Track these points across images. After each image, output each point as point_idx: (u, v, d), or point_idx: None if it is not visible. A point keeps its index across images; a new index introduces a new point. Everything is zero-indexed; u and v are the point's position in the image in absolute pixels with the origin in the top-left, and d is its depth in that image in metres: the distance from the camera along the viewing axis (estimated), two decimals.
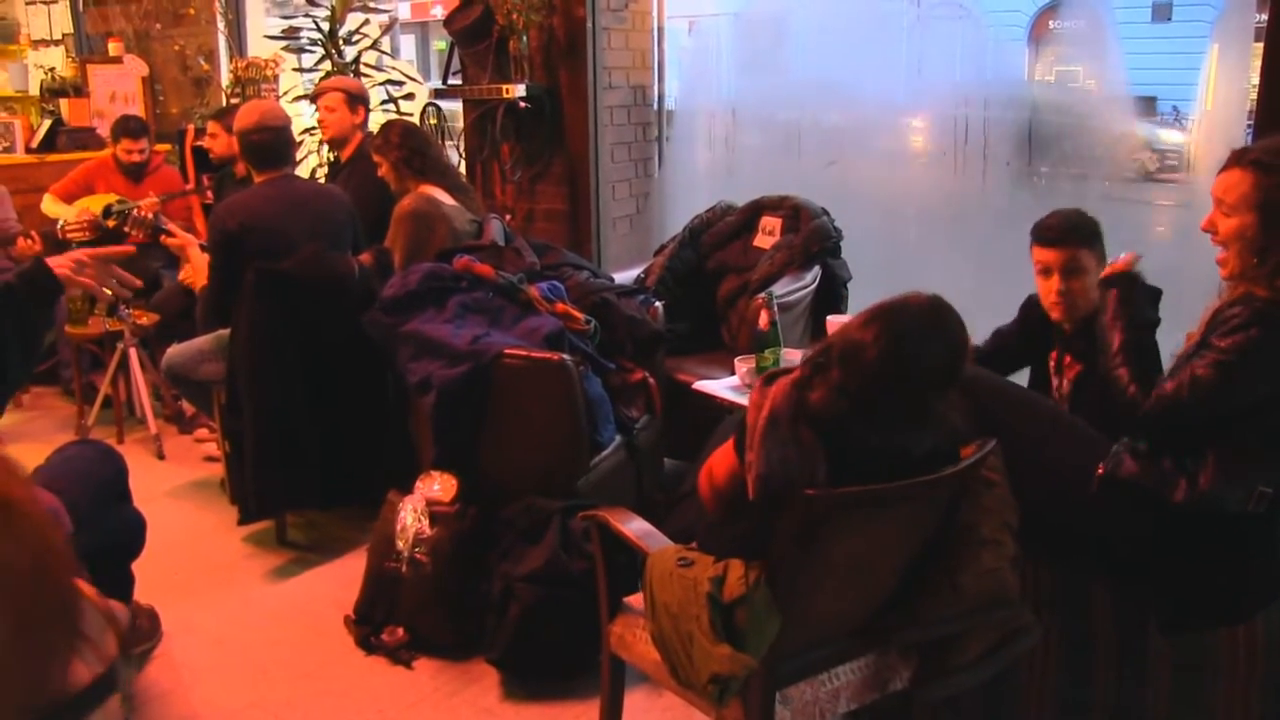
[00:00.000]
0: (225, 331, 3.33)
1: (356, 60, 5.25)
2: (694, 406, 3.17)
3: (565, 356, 2.82)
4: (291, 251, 3.25)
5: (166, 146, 5.65)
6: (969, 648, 1.92)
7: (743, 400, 2.85)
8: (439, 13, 12.95)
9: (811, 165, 4.46)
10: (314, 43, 5.30)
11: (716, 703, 1.78)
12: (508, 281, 3.13)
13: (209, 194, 4.86)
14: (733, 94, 4.91)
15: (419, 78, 5.85)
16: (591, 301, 3.27)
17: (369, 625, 2.78)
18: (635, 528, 2.07)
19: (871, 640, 1.95)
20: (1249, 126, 3.36)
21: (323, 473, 3.26)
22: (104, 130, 5.55)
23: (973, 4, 4.70)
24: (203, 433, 4.27)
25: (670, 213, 4.80)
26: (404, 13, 14.14)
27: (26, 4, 6.86)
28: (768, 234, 3.93)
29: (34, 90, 6.67)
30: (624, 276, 3.88)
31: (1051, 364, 2.47)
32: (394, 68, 5.44)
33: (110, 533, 2.33)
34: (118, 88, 6.18)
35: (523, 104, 4.46)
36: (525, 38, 4.40)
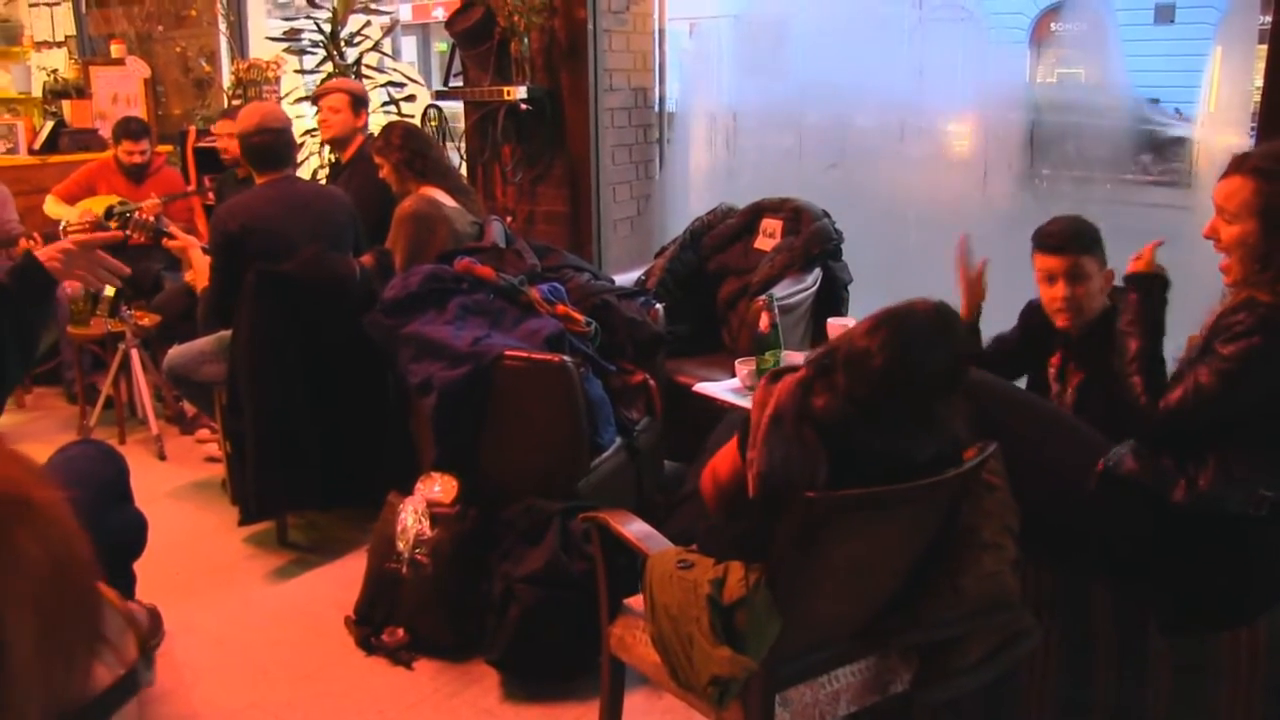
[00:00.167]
0: (226, 333, 3.34)
1: (358, 62, 5.26)
2: (694, 409, 3.17)
3: (566, 358, 2.82)
4: (293, 253, 3.25)
5: (168, 148, 5.66)
6: (970, 650, 1.92)
7: (743, 402, 2.85)
8: (440, 15, 12.96)
9: (813, 167, 4.46)
10: (315, 44, 5.30)
11: (716, 705, 1.78)
12: (509, 283, 3.14)
13: (210, 195, 4.87)
14: (734, 96, 4.92)
15: (420, 79, 5.85)
16: (592, 303, 3.27)
17: (369, 626, 2.78)
18: (635, 529, 2.07)
19: (872, 643, 1.95)
20: (1252, 129, 3.35)
21: (323, 474, 3.26)
22: (106, 132, 5.55)
23: (974, 6, 4.70)
24: (204, 433, 4.27)
25: (671, 215, 4.80)
26: (405, 15, 14.15)
27: (30, 6, 6.87)
28: (768, 236, 3.93)
29: (37, 92, 6.68)
30: (625, 278, 3.88)
31: (1052, 370, 2.46)
32: (395, 69, 5.44)
33: (112, 533, 2.33)
34: (120, 89, 6.19)
35: (524, 106, 4.47)
36: (526, 40, 4.40)
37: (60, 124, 6.10)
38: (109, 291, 4.32)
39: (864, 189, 4.26)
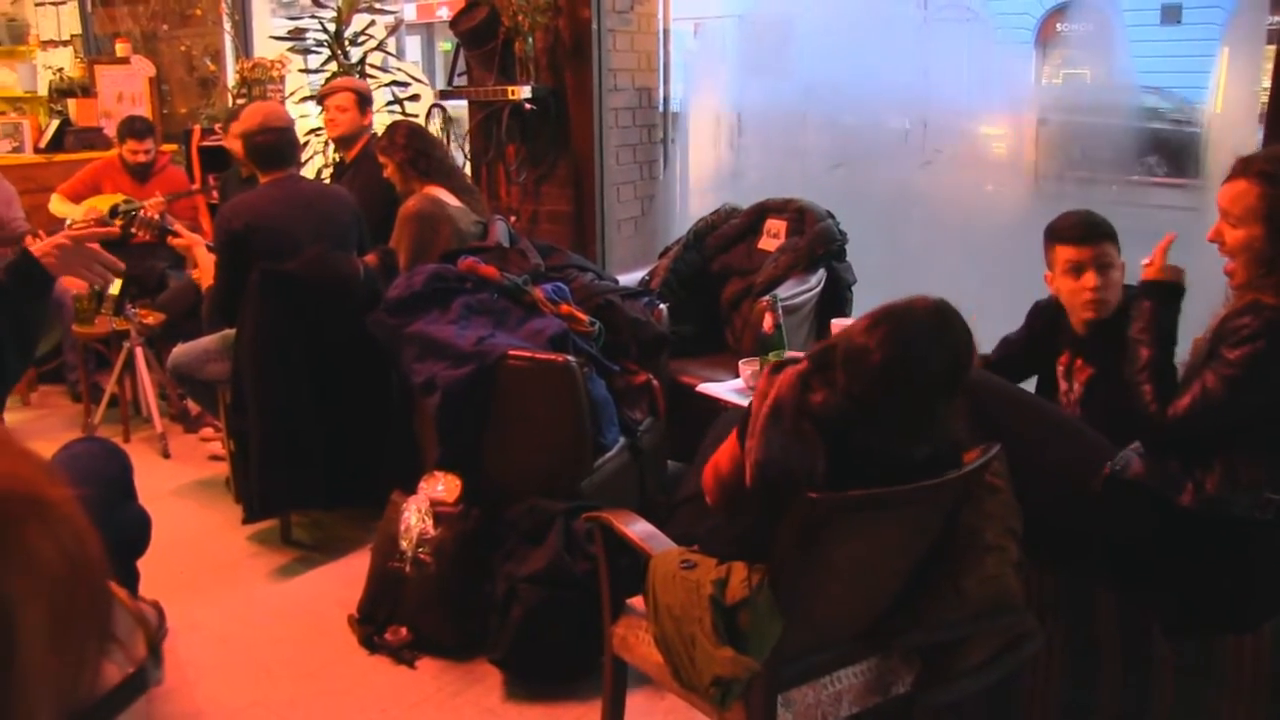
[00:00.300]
0: (231, 331, 3.34)
1: (362, 61, 5.26)
2: (698, 409, 3.16)
3: (569, 358, 2.82)
4: (297, 252, 3.25)
5: (173, 147, 5.67)
6: (972, 653, 1.92)
7: (746, 403, 2.84)
8: (445, 14, 12.98)
9: (817, 168, 4.46)
10: (320, 44, 5.31)
11: (719, 705, 1.77)
12: (512, 283, 3.14)
13: (214, 194, 4.87)
14: (738, 96, 4.92)
15: (424, 79, 5.85)
16: (596, 303, 3.27)
17: (372, 625, 2.78)
18: (638, 530, 2.07)
19: (874, 644, 1.94)
20: (1259, 129, 3.35)
21: (327, 472, 3.27)
22: (111, 130, 5.56)
23: (980, 7, 4.70)
24: (208, 432, 4.28)
25: (675, 215, 4.81)
26: (410, 14, 14.16)
27: (36, 5, 6.88)
28: (772, 237, 3.92)
29: (42, 90, 6.69)
30: (628, 279, 3.88)
31: (1060, 368, 2.45)
32: (399, 69, 5.45)
33: (116, 530, 2.33)
34: (125, 88, 6.20)
35: (528, 105, 4.47)
36: (531, 39, 4.40)
37: (65, 123, 6.12)
38: (114, 290, 4.33)
39: (868, 190, 4.26)
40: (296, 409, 3.19)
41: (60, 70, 6.60)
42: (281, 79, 5.51)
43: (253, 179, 3.64)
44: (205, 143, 5.39)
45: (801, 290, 3.59)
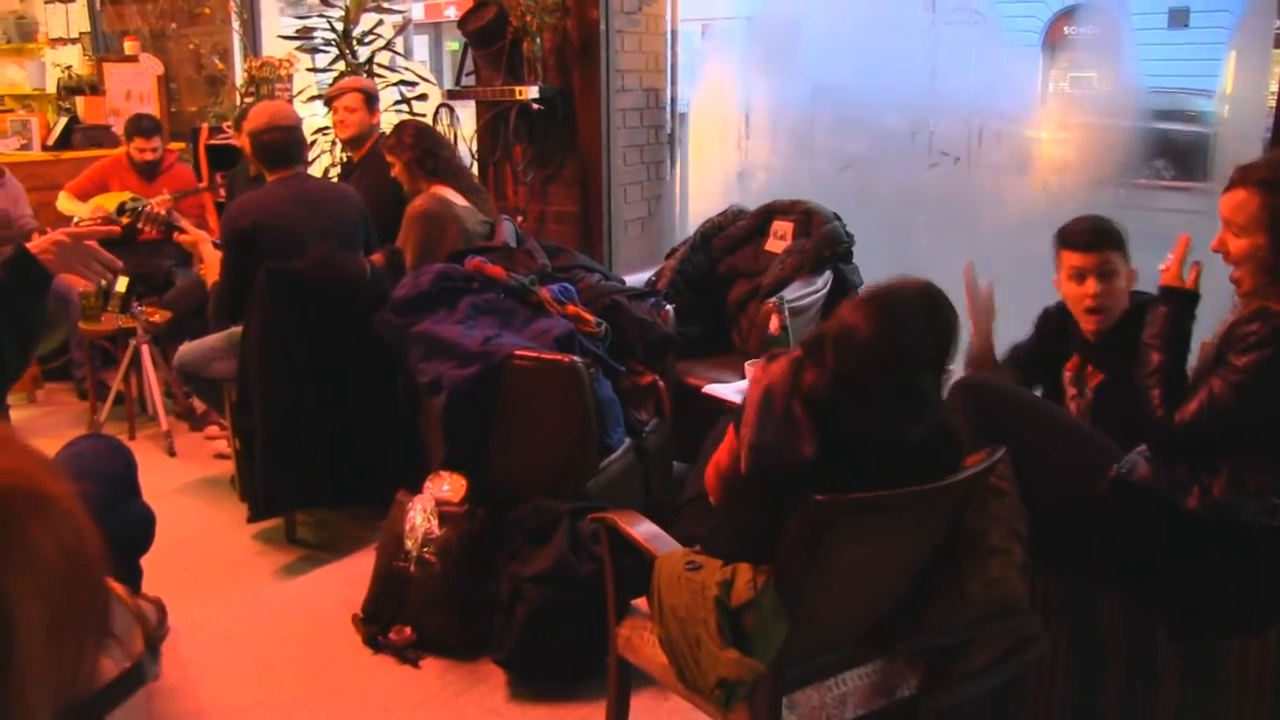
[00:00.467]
0: (237, 330, 3.35)
1: (370, 60, 5.27)
2: (704, 410, 3.16)
3: (576, 358, 2.82)
4: (304, 250, 3.26)
5: (180, 145, 5.68)
6: (976, 656, 1.92)
7: None
8: (452, 14, 12.99)
9: (824, 169, 4.45)
10: (328, 43, 5.31)
11: (723, 707, 1.77)
12: (519, 283, 3.14)
13: (222, 192, 4.88)
14: (745, 97, 4.91)
15: (432, 79, 5.85)
16: (602, 304, 3.27)
17: (377, 624, 2.78)
18: (644, 530, 2.07)
19: (879, 646, 1.94)
20: (1267, 133, 3.34)
21: (332, 471, 3.27)
22: (119, 128, 5.57)
23: (987, 9, 4.69)
24: (213, 430, 4.29)
25: (682, 216, 4.80)
26: (417, 14, 14.18)
27: (45, 3, 6.90)
28: (779, 238, 3.92)
29: (51, 88, 6.71)
30: (635, 279, 3.88)
31: (1068, 375, 2.44)
32: (407, 68, 5.45)
33: (120, 527, 2.33)
34: (133, 86, 6.21)
35: (535, 106, 4.47)
36: (539, 40, 4.40)
37: (74, 120, 6.13)
38: (120, 287, 4.34)
39: (875, 191, 4.26)
40: (302, 408, 3.20)
41: (69, 68, 6.62)
42: (289, 78, 5.52)
43: (261, 177, 3.65)
44: (213, 141, 5.40)
45: (808, 292, 3.58)
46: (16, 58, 6.83)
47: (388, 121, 4.42)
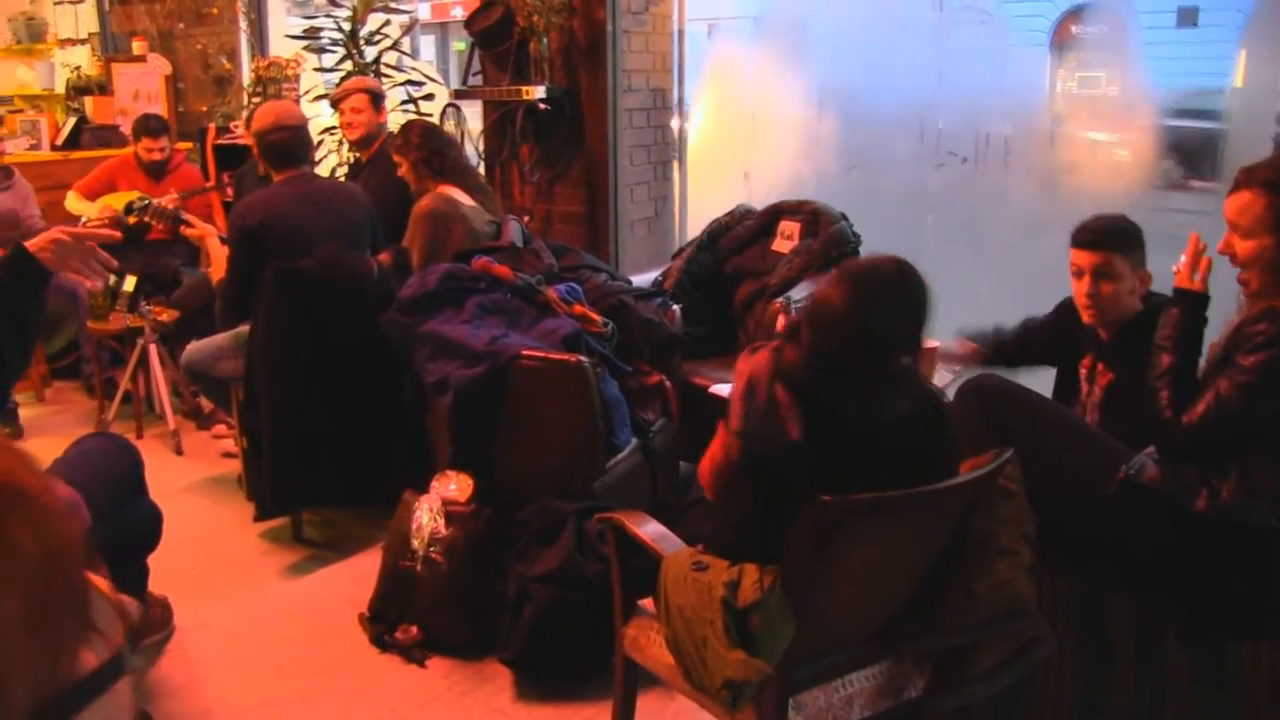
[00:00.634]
0: (244, 329, 3.35)
1: (377, 60, 5.27)
2: (710, 410, 3.15)
3: (582, 358, 2.81)
4: (310, 250, 3.26)
5: (188, 145, 5.69)
6: (983, 657, 1.92)
7: None
8: (459, 14, 13.00)
9: (831, 170, 4.45)
10: (335, 43, 5.32)
11: (730, 708, 1.77)
12: (526, 283, 3.14)
13: (229, 191, 4.89)
14: (752, 97, 4.91)
15: (439, 79, 5.86)
16: (609, 304, 3.27)
17: (383, 623, 2.78)
18: (650, 531, 2.07)
19: (886, 647, 1.94)
20: (1277, 132, 3.33)
21: (339, 471, 3.27)
22: (127, 128, 5.59)
23: (995, 9, 4.68)
24: (220, 429, 4.30)
25: (688, 216, 4.80)
26: (424, 13, 14.18)
27: (55, 3, 6.92)
28: (786, 238, 3.92)
29: (60, 88, 6.73)
30: (642, 279, 3.88)
31: (1083, 371, 2.44)
32: (414, 68, 5.45)
33: (127, 525, 2.34)
34: (141, 86, 6.23)
35: (542, 106, 4.47)
36: (545, 40, 4.40)
37: (82, 120, 6.15)
38: (128, 287, 4.35)
39: (883, 191, 4.25)
40: (309, 407, 3.20)
41: (78, 68, 6.63)
42: (296, 78, 5.53)
43: (268, 177, 3.66)
44: (220, 141, 5.42)
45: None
46: (26, 58, 6.85)
47: (395, 122, 4.42)
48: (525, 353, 2.83)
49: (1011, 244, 3.70)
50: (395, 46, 5.35)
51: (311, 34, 5.42)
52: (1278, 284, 1.98)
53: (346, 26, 5.25)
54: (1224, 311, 2.12)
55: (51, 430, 4.34)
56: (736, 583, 1.79)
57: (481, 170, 4.69)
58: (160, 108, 6.01)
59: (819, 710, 1.87)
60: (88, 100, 6.30)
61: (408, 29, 5.83)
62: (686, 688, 1.90)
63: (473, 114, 4.95)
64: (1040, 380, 2.52)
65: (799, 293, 3.49)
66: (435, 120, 4.60)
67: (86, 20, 6.80)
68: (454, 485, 2.81)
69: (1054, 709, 2.23)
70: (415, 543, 2.73)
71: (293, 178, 3.45)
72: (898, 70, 4.37)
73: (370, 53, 5.29)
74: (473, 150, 4.83)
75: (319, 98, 5.47)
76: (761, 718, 1.78)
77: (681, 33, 4.74)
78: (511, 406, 2.84)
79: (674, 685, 1.98)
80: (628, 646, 2.11)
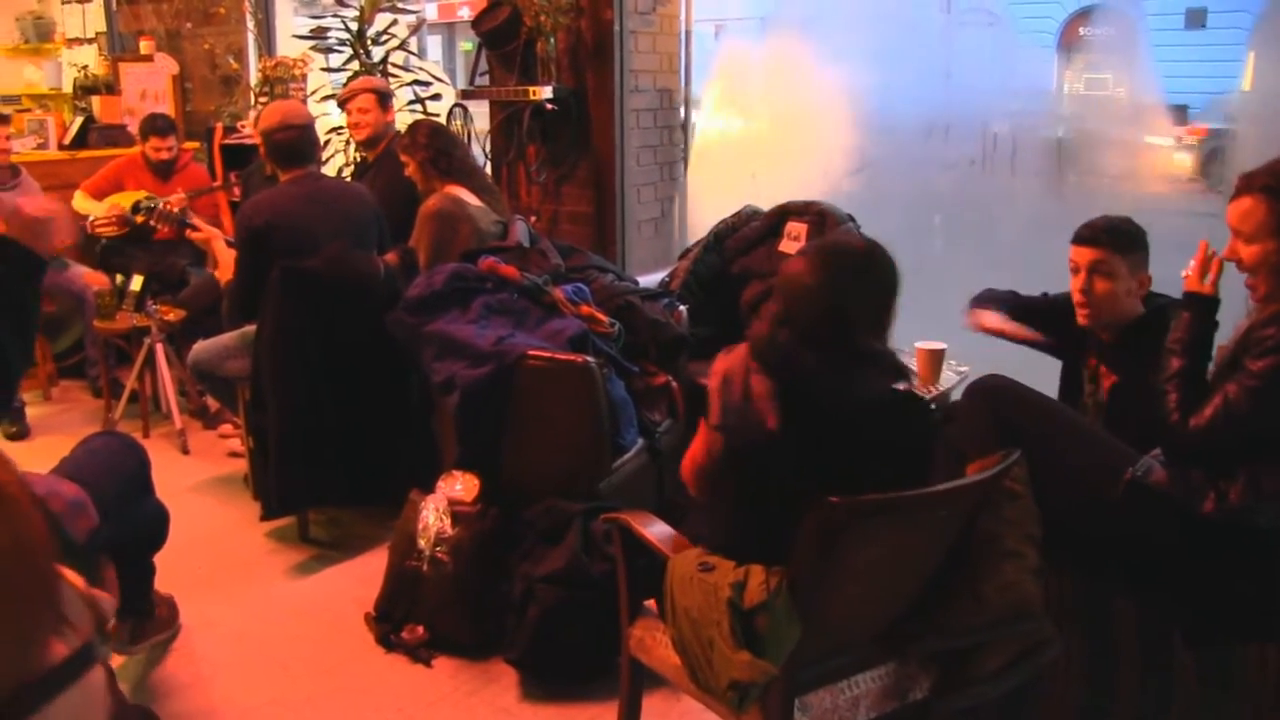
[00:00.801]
0: (251, 328, 3.36)
1: (384, 60, 5.28)
2: None
3: (589, 359, 2.81)
4: (317, 249, 3.26)
5: (195, 144, 5.70)
6: (989, 659, 1.91)
7: None
8: (466, 14, 13.01)
9: (838, 171, 4.44)
10: (342, 43, 5.33)
11: (736, 709, 1.77)
12: (532, 283, 3.14)
13: (236, 191, 4.90)
14: (759, 98, 4.90)
15: (445, 79, 5.86)
16: (616, 304, 3.26)
17: (389, 623, 2.79)
18: (656, 531, 2.07)
19: (891, 649, 1.93)
20: None
21: (345, 470, 3.28)
22: (134, 128, 5.60)
23: (1003, 11, 4.68)
24: (227, 428, 4.30)
25: (695, 217, 4.80)
26: (431, 14, 14.21)
27: (62, 3, 6.94)
28: (793, 239, 3.91)
29: (67, 88, 6.74)
30: (648, 280, 3.87)
31: (1087, 371, 2.44)
32: (421, 68, 5.46)
33: (134, 524, 2.35)
34: (148, 85, 6.24)
35: (549, 106, 4.47)
36: (552, 40, 4.41)
37: (90, 120, 6.16)
38: (135, 286, 4.36)
39: (889, 193, 4.25)
40: (315, 407, 3.20)
41: (85, 68, 6.65)
42: (304, 77, 5.53)
43: (275, 176, 3.66)
44: (227, 140, 5.42)
45: None
46: (34, 58, 6.88)
47: (402, 122, 4.43)
48: (532, 353, 2.83)
49: (1019, 245, 3.69)
50: (402, 46, 5.36)
51: (319, 34, 5.43)
52: None
53: (354, 26, 5.26)
54: (1234, 315, 2.12)
55: (58, 429, 4.35)
56: (743, 584, 1.79)
57: (488, 170, 4.70)
58: (167, 107, 6.02)
59: (825, 711, 1.87)
60: (95, 100, 6.31)
61: (415, 29, 5.84)
62: (692, 688, 1.90)
63: (479, 114, 4.94)
64: (1045, 381, 2.51)
65: None
66: (442, 120, 4.60)
67: (94, 20, 6.81)
68: (460, 485, 2.81)
69: (1060, 711, 2.23)
70: (421, 542, 2.73)
71: (299, 177, 3.45)
72: (905, 71, 4.37)
73: (377, 53, 5.30)
74: (479, 150, 4.83)
75: (326, 97, 5.47)
76: (767, 719, 1.78)
77: (689, 33, 4.74)
78: (518, 406, 2.84)
79: (680, 686, 1.98)
80: (633, 647, 2.11)
